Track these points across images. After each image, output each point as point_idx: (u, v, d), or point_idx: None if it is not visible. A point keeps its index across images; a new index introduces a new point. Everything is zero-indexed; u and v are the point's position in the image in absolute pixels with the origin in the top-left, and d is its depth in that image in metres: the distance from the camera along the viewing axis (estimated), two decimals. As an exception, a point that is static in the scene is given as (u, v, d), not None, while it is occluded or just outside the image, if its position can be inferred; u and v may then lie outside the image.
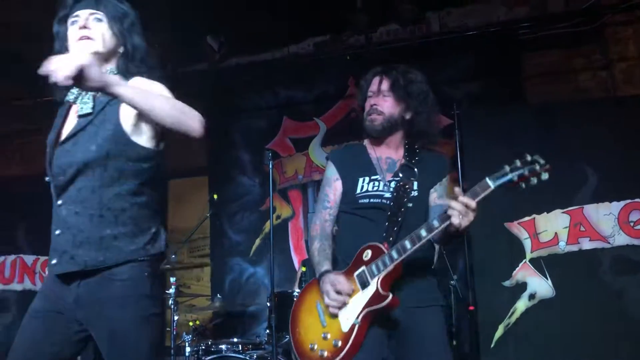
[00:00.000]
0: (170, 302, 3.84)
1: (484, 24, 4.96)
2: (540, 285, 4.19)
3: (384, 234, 2.21)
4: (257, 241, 5.32)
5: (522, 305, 4.21)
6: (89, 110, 1.85)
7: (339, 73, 5.35)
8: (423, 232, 2.07)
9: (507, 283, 4.25)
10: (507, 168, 1.95)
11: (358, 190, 2.33)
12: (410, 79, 2.37)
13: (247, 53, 5.53)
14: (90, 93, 1.86)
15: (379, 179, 2.33)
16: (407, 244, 2.08)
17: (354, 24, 4.92)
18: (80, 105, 1.87)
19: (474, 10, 5.03)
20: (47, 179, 1.89)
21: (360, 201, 2.31)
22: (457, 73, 4.97)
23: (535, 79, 4.82)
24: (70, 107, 1.94)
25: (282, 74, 5.51)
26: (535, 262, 4.23)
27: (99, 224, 1.77)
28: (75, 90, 1.90)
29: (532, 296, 4.20)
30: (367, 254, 2.18)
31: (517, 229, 4.32)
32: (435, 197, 2.34)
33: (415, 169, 2.33)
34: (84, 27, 1.87)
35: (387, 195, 2.29)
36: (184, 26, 4.89)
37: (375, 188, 2.32)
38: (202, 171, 5.69)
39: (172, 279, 3.90)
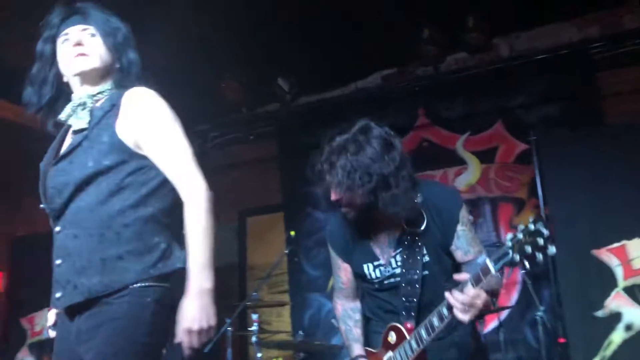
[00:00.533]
0: (253, 339, 3.90)
1: (554, 46, 4.84)
2: (638, 316, 3.94)
3: (404, 312, 2.11)
4: (334, 276, 5.33)
5: (618, 337, 3.96)
6: (85, 125, 1.72)
7: (409, 104, 5.35)
8: (435, 321, 1.97)
9: (599, 313, 4.02)
10: (509, 242, 1.76)
11: (367, 277, 2.22)
12: (351, 178, 2.04)
13: (316, 91, 5.66)
14: (86, 107, 1.75)
15: (382, 263, 2.18)
16: (423, 333, 2.01)
17: (421, 55, 4.92)
18: (76, 121, 1.74)
19: (543, 33, 4.93)
20: (41, 205, 1.75)
21: (373, 286, 2.24)
22: (531, 97, 4.84)
23: (613, 98, 4.62)
24: (68, 128, 1.80)
25: (351, 108, 5.58)
26: (630, 291, 3.99)
27: (100, 245, 1.59)
28: (69, 108, 1.77)
29: (628, 327, 3.95)
30: (392, 337, 2.13)
31: (606, 256, 4.10)
32: (461, 254, 2.10)
33: (421, 227, 2.09)
34: (79, 44, 1.75)
35: (398, 271, 2.14)
36: (255, 70, 5.09)
37: (382, 274, 2.18)
38: (278, 208, 5.80)
39: (254, 316, 3.98)
